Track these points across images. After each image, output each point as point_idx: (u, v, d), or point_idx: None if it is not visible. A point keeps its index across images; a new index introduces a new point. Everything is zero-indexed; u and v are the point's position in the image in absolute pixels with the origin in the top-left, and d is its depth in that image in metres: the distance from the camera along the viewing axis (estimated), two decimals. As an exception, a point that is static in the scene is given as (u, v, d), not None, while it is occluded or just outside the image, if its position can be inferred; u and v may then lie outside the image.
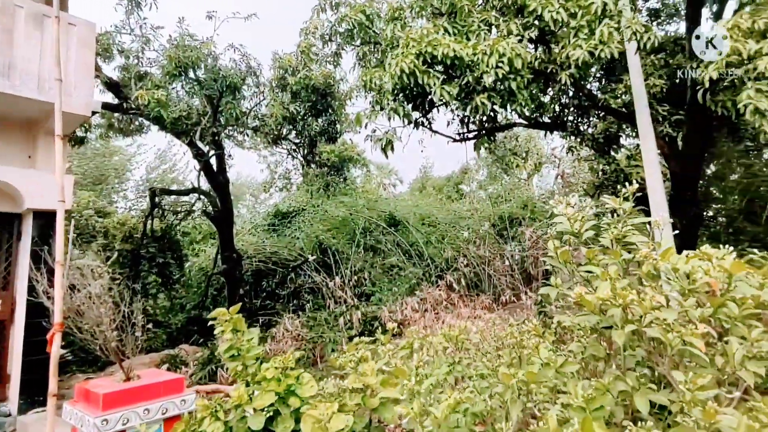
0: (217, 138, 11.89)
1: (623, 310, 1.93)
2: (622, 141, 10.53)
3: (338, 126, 12.74)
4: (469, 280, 13.67)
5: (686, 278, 2.08)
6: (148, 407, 4.03)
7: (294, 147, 13.39)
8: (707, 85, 5.58)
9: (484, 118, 7.95)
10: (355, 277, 14.07)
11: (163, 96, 9.13)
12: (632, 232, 2.43)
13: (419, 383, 2.32)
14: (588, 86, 9.46)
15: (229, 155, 13.06)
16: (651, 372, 2.00)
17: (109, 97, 11.27)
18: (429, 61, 6.12)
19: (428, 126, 9.73)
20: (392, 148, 7.31)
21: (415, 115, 7.70)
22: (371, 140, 7.43)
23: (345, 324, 11.95)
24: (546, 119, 11.06)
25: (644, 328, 1.89)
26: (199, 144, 11.69)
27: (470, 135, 11.07)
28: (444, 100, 6.10)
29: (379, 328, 12.31)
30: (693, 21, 8.60)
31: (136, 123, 12.81)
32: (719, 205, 10.62)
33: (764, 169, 9.68)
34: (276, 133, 11.81)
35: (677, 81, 9.12)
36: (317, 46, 10.56)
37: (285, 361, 2.69)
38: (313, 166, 14.73)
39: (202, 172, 12.62)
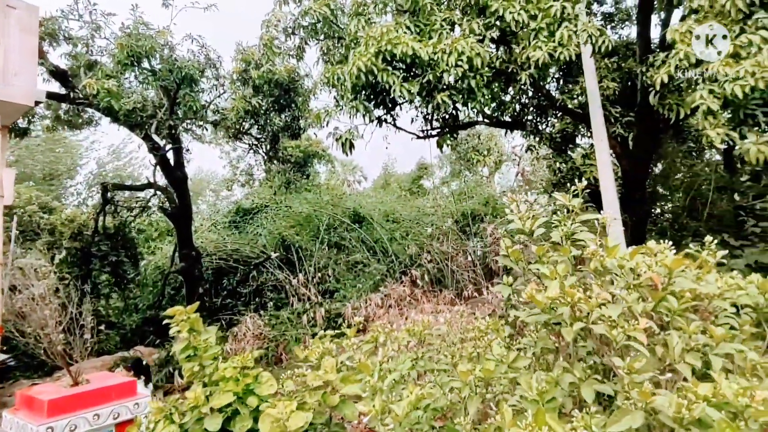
0: (174, 131, 11.45)
1: (571, 308, 2.01)
2: (578, 140, 10.94)
3: (302, 122, 12.55)
4: (432, 275, 13.83)
5: (631, 274, 2.19)
6: (98, 412, 3.85)
7: (256, 142, 13.09)
8: (658, 87, 5.87)
9: (447, 116, 8.03)
10: (319, 274, 13.96)
11: (114, 86, 8.69)
12: (581, 229, 2.52)
13: (382, 379, 2.33)
14: (546, 87, 9.76)
15: (187, 149, 12.63)
16: (598, 364, 2.10)
17: (56, 87, 10.64)
18: (389, 59, 6.13)
19: (392, 123, 9.76)
20: (353, 146, 7.27)
21: (379, 112, 7.69)
22: (332, 138, 7.36)
23: (308, 321, 11.84)
24: (507, 118, 11.33)
25: (591, 325, 1.97)
26: (155, 137, 11.22)
27: (433, 132, 11.19)
28: (405, 98, 6.13)
29: (344, 324, 12.31)
30: (643, 26, 9.04)
31: (86, 115, 12.14)
32: (665, 203, 11.24)
33: (705, 169, 10.32)
34: (237, 127, 11.50)
35: (629, 84, 9.56)
36: (280, 39, 10.35)
37: (243, 360, 2.63)
38: (275, 162, 14.44)
39: (158, 167, 12.14)
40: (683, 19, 7.18)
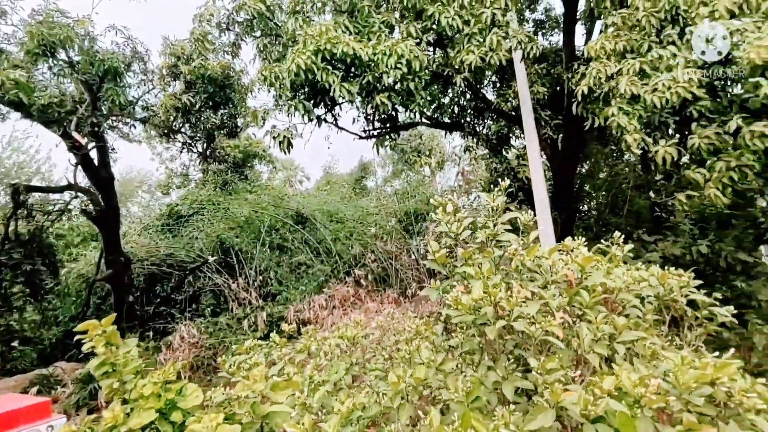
0: (97, 129, 10.63)
1: (494, 308, 2.08)
2: (513, 142, 11.42)
3: (239, 120, 12.08)
4: (376, 275, 13.90)
5: (550, 271, 2.30)
6: (4, 439, 3.48)
7: (189, 141, 12.46)
8: (579, 99, 6.24)
9: (387, 117, 8.08)
10: (261, 277, 13.58)
11: (23, 77, 7.89)
12: (503, 230, 2.61)
13: (313, 392, 2.27)
14: (483, 90, 10.09)
15: (113, 148, 11.78)
16: (522, 358, 2.19)
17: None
18: (329, 58, 6.07)
19: (334, 123, 9.67)
20: (291, 145, 7.12)
21: (319, 111, 7.58)
22: (270, 137, 7.16)
23: (249, 327, 11.48)
24: (446, 119, 11.61)
25: (512, 322, 2.05)
26: (76, 135, 10.36)
27: (375, 132, 11.22)
28: (345, 98, 6.10)
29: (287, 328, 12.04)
30: (568, 35, 9.59)
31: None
32: (591, 201, 12.03)
33: (625, 169, 11.15)
34: (167, 125, 10.86)
35: (558, 89, 10.11)
36: (213, 34, 9.91)
37: (165, 374, 2.46)
38: (212, 161, 13.81)
39: (80, 167, 11.20)
40: (603, 31, 7.66)
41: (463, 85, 6.63)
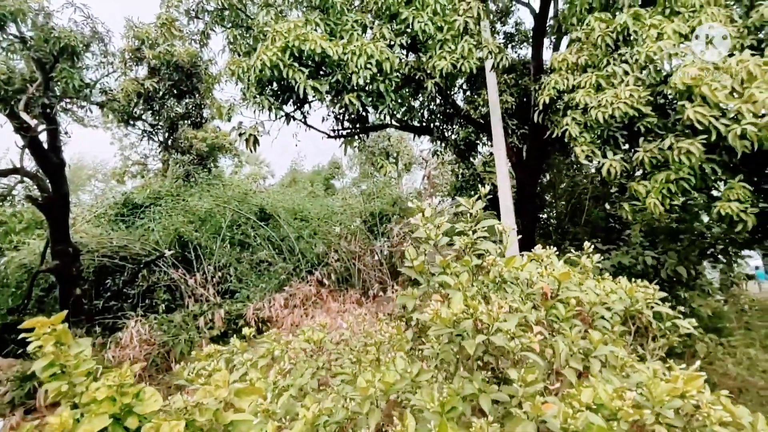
0: (49, 111, 9.99)
1: (474, 321, 2.10)
2: (480, 149, 11.64)
3: (205, 111, 11.68)
4: (339, 275, 13.83)
5: (526, 283, 2.34)
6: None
7: (150, 129, 11.90)
8: (541, 107, 6.46)
9: (356, 117, 8.06)
10: (219, 274, 13.21)
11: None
12: (482, 238, 2.63)
13: (276, 398, 2.21)
14: (453, 97, 10.24)
15: (66, 132, 11.11)
16: (497, 370, 2.22)
17: None
18: (297, 55, 5.97)
19: (303, 120, 9.55)
20: (257, 143, 6.96)
21: (288, 108, 7.45)
22: (237, 134, 6.96)
23: (206, 324, 11.13)
24: (415, 123, 11.70)
25: (491, 337, 2.06)
26: (24, 116, 9.70)
27: (344, 132, 11.17)
28: (313, 96, 6.02)
29: (245, 326, 11.77)
30: (537, 48, 9.89)
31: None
32: (551, 209, 12.45)
33: (583, 180, 11.62)
34: (127, 111, 10.33)
35: (524, 99, 10.41)
36: (182, 21, 9.54)
37: (121, 376, 2.32)
38: (174, 152, 13.27)
39: (27, 150, 10.50)
40: (569, 45, 7.97)
41: (434, 90, 6.71)
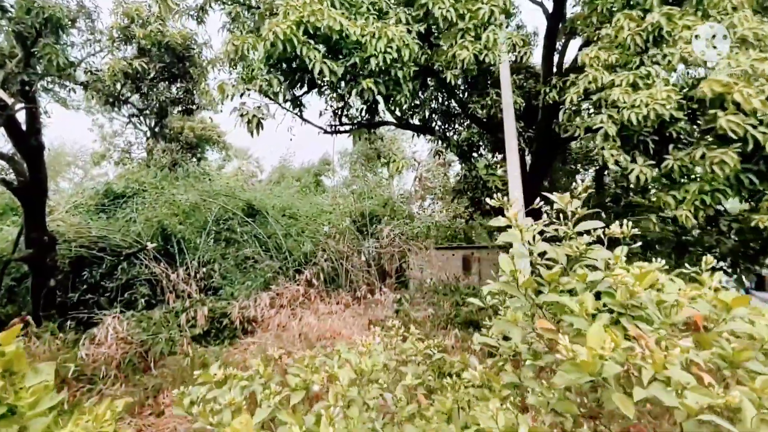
0: (29, 89, 9.32)
1: (626, 367, 1.53)
2: (482, 150, 11.34)
3: (197, 97, 11.08)
4: (326, 275, 13.49)
5: (667, 310, 1.81)
6: None
7: (137, 114, 11.24)
8: (567, 105, 6.12)
9: (367, 107, 7.62)
10: (204, 269, 12.64)
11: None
12: (594, 247, 2.10)
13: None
14: (460, 95, 9.90)
15: (46, 112, 10.42)
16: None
17: None
18: (311, 32, 5.52)
19: (299, 114, 9.12)
20: (261, 126, 6.45)
21: (297, 93, 6.97)
22: (238, 115, 6.44)
23: (188, 322, 10.55)
24: (415, 121, 11.35)
25: (652, 389, 1.47)
26: (2, 94, 9.02)
27: (342, 128, 10.79)
28: (326, 78, 5.57)
29: (229, 325, 11.18)
30: (548, 51, 9.61)
31: None
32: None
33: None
34: (114, 93, 9.68)
35: (533, 102, 10.14)
36: (178, -7, 8.96)
37: (97, 420, 1.70)
38: (161, 139, 12.61)
39: (3, 131, 9.80)
40: (587, 44, 7.67)
41: (453, 82, 6.30)
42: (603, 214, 9.81)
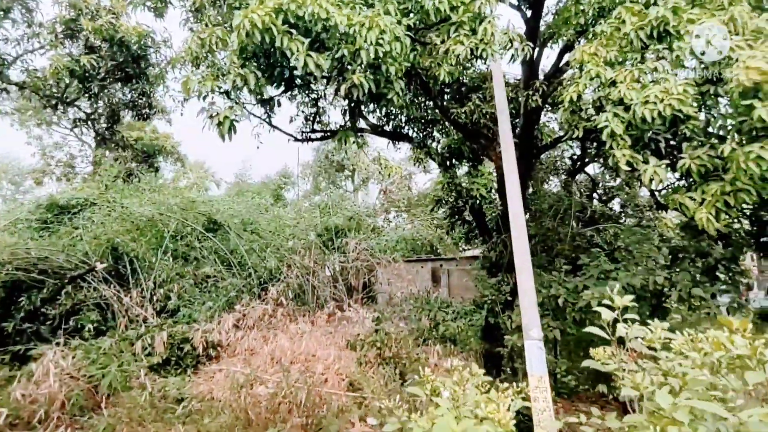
0: (-49, 89, 8.10)
1: None
2: (463, 157, 11.00)
3: (152, 101, 10.03)
4: (293, 291, 12.90)
5: None
6: None
7: (85, 119, 10.03)
8: (567, 104, 5.80)
9: (354, 105, 7.04)
10: (161, 291, 11.60)
11: None
12: None
13: None
14: (439, 99, 9.53)
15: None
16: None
17: None
18: (292, 22, 4.91)
19: (267, 121, 8.44)
20: (233, 129, 5.70)
21: (273, 92, 6.30)
22: (206, 117, 5.66)
23: (144, 350, 9.46)
24: (389, 128, 10.91)
25: None
26: None
27: (314, 135, 10.23)
28: (310, 73, 4.95)
29: (191, 352, 10.16)
30: (529, 56, 9.42)
31: None
32: (536, 223, 12.02)
33: (567, 195, 11.28)
34: (57, 94, 8.53)
35: (512, 108, 9.91)
36: (134, -16, 8.07)
37: None
38: (113, 146, 11.37)
39: None
40: (569, 48, 7.46)
41: (447, 79, 5.83)
42: (574, 224, 9.49)
